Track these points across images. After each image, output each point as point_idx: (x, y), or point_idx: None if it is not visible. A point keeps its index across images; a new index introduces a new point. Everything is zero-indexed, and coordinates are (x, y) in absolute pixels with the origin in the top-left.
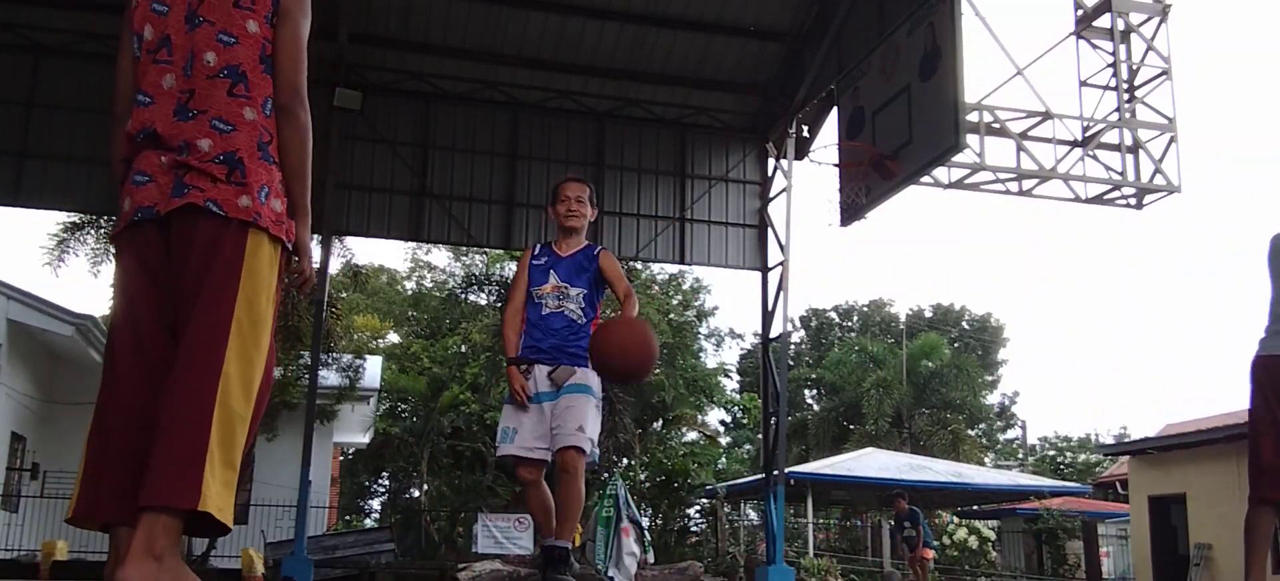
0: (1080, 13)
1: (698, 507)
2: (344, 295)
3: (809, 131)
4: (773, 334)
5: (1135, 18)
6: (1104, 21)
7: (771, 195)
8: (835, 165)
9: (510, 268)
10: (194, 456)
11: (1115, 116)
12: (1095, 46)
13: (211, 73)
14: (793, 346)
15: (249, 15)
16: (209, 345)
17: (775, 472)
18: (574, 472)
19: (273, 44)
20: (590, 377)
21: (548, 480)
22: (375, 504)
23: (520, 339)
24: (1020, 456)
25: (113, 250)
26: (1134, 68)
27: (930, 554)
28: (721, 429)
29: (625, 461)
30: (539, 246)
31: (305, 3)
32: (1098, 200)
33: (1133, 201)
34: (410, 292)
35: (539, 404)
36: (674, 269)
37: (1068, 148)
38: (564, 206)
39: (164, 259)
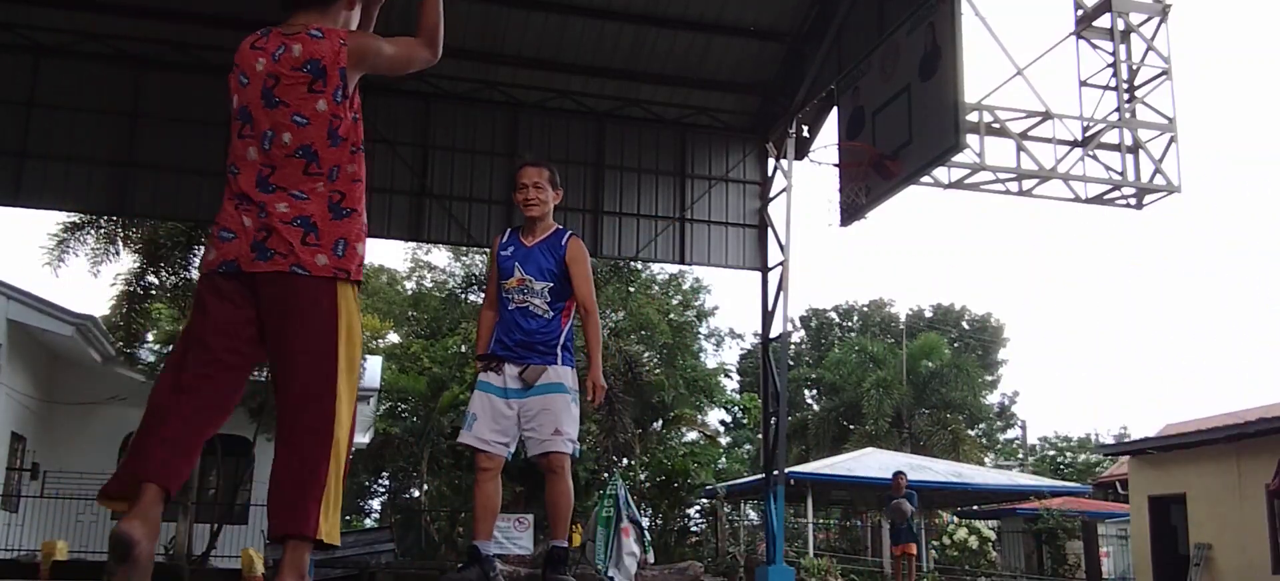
0: (1080, 13)
1: (698, 507)
2: None
3: (809, 131)
4: (773, 334)
5: (1135, 18)
6: (1104, 21)
7: (771, 195)
8: (835, 165)
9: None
10: (318, 493)
11: (1115, 116)
12: (1095, 46)
13: (288, 152)
14: (793, 346)
15: (320, 97)
16: (320, 394)
17: (775, 472)
18: (560, 473)
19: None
20: (563, 374)
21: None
22: (375, 504)
23: (492, 334)
24: (1020, 456)
25: (198, 284)
26: (1134, 68)
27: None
28: (721, 429)
29: (625, 461)
30: (507, 234)
31: (366, 50)
32: (1098, 200)
33: (1133, 201)
34: (410, 292)
35: (506, 398)
36: (674, 269)
37: (1068, 148)
38: (522, 195)
39: (234, 308)
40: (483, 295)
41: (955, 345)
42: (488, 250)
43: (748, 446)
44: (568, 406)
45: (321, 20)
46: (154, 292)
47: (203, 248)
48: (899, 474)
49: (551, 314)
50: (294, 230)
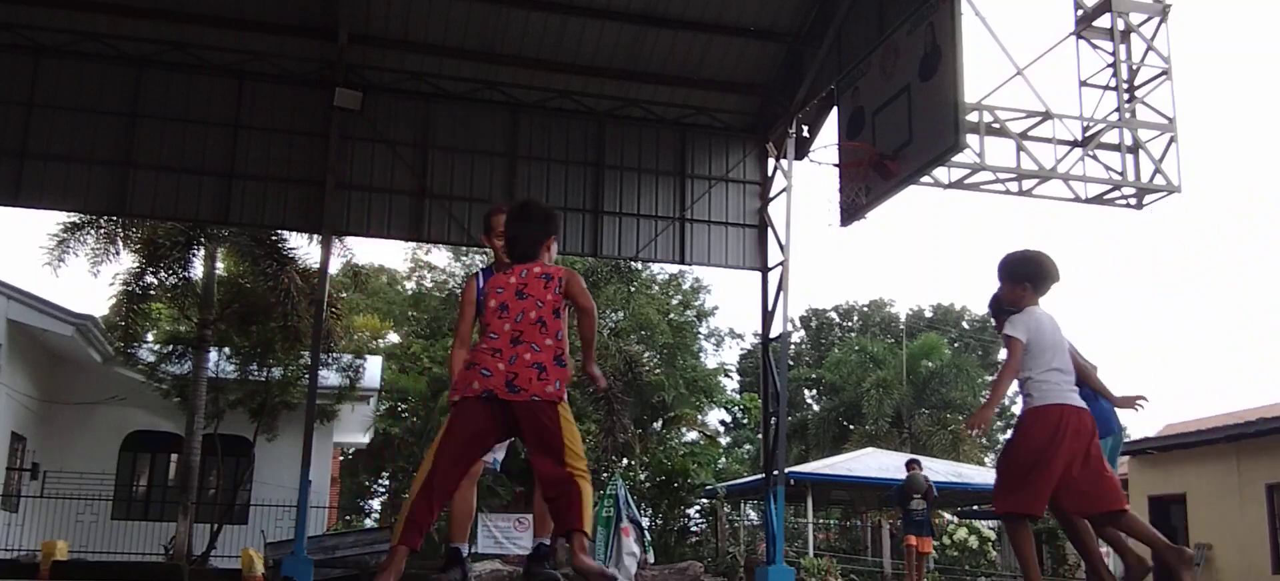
0: (1080, 13)
1: (698, 507)
2: (344, 295)
3: (809, 131)
4: (773, 334)
5: (1135, 18)
6: (1104, 21)
7: (771, 195)
8: (835, 165)
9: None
10: (585, 508)
11: (1115, 116)
12: (1095, 46)
13: (531, 322)
14: (793, 346)
15: (548, 290)
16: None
17: (775, 472)
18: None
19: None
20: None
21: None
22: (375, 504)
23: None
24: None
25: (455, 405)
26: (1134, 68)
27: (930, 546)
28: (721, 429)
29: (625, 461)
30: (482, 274)
31: (583, 291)
32: (1098, 200)
33: (1133, 201)
34: (410, 292)
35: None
36: (674, 269)
37: (1068, 148)
38: (501, 241)
39: (490, 423)
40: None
41: (955, 345)
42: (487, 251)
43: (748, 446)
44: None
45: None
46: (154, 293)
47: (202, 248)
48: (913, 462)
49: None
50: (535, 371)
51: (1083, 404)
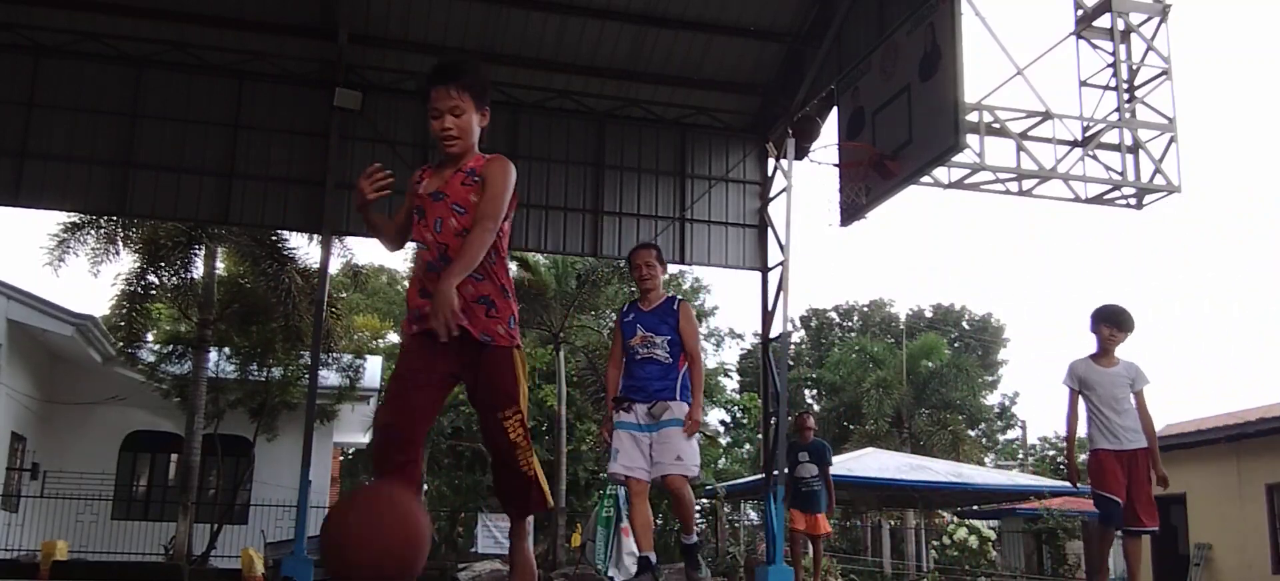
0: (1080, 13)
1: (698, 507)
2: (344, 295)
3: (809, 131)
4: (773, 334)
5: (1135, 18)
6: (1104, 21)
7: (771, 195)
8: (835, 165)
9: (510, 268)
10: (532, 486)
11: (1115, 116)
12: (1095, 46)
13: (455, 233)
14: (793, 346)
15: (472, 191)
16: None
17: (775, 472)
18: (678, 491)
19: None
20: (682, 409)
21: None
22: None
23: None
24: (1020, 456)
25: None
26: (1134, 68)
27: (828, 527)
28: (721, 429)
29: None
30: (627, 305)
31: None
32: (1098, 200)
33: (1133, 201)
34: None
35: (641, 432)
36: (674, 269)
37: (1068, 148)
38: (638, 273)
39: (437, 356)
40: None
41: (955, 345)
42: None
43: (748, 446)
44: (684, 436)
45: None
46: (154, 292)
47: (202, 248)
48: (804, 414)
49: (671, 361)
50: (480, 307)
51: None
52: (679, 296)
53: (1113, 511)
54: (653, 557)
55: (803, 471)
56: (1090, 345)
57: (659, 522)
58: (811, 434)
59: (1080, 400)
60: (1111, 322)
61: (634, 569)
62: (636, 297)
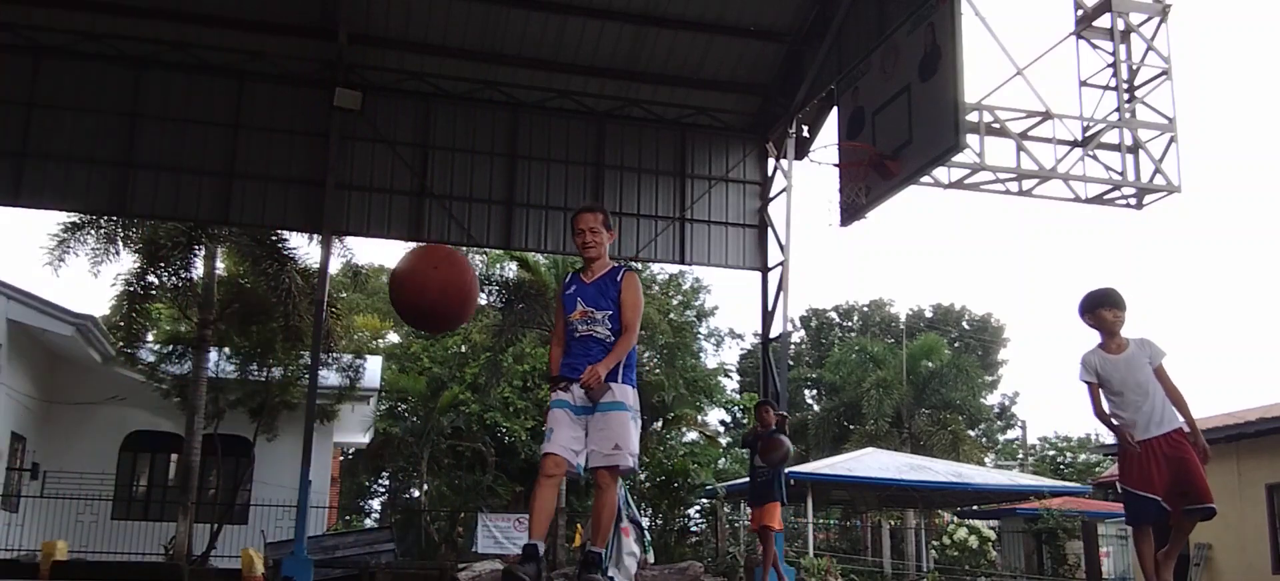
0: (1080, 13)
1: (698, 507)
2: (344, 295)
3: (809, 131)
4: (773, 334)
5: (1135, 18)
6: (1104, 21)
7: (771, 195)
8: (835, 165)
9: (510, 268)
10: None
11: (1115, 116)
12: (1095, 46)
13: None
14: (793, 346)
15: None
16: None
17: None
18: (605, 488)
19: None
20: (626, 393)
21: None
22: (375, 504)
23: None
24: (1020, 456)
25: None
26: (1134, 68)
27: (777, 521)
28: (721, 429)
29: None
30: (569, 276)
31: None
32: (1098, 200)
33: (1133, 201)
34: None
35: (578, 414)
36: (674, 269)
37: (1068, 148)
38: (579, 240)
39: None
40: (483, 296)
41: (955, 345)
42: (487, 249)
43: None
44: (628, 423)
45: None
46: (154, 293)
47: (202, 248)
48: (765, 406)
49: (613, 340)
50: None
51: None
52: (625, 266)
53: (1143, 508)
54: (540, 546)
55: (755, 462)
56: (1092, 340)
57: (659, 523)
58: (772, 425)
59: (1101, 391)
60: (1109, 304)
61: (634, 568)
62: (580, 268)
